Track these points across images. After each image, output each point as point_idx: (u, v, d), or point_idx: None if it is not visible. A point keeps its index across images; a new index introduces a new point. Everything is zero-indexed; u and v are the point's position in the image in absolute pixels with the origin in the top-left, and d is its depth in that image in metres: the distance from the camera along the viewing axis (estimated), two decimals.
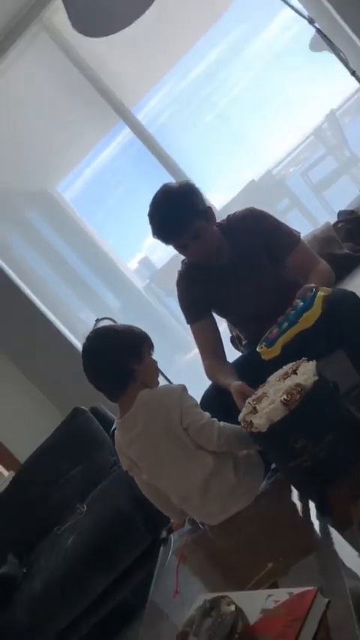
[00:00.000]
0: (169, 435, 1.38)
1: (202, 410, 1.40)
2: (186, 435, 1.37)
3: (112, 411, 2.73)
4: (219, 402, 1.55)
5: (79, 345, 3.29)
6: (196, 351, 1.94)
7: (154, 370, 1.46)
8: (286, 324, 1.47)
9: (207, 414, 1.38)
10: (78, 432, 2.65)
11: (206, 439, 1.35)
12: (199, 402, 1.69)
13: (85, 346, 1.46)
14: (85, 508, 2.35)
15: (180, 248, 1.79)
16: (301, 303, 1.48)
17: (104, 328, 1.48)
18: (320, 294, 1.47)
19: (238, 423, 1.30)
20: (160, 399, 1.40)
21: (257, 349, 1.53)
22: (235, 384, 1.55)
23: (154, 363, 1.46)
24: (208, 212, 1.78)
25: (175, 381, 2.64)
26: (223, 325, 2.24)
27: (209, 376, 1.83)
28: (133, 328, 1.47)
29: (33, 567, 2.29)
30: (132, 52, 3.51)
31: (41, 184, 4.67)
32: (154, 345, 1.48)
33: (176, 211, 1.70)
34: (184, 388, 1.41)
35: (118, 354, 1.42)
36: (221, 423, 1.37)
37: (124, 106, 3.51)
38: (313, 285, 1.54)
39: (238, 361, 1.92)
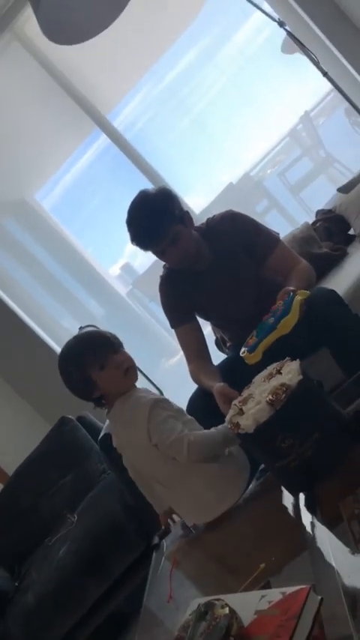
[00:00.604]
0: (141, 446, 1.40)
1: (175, 421, 1.37)
2: (156, 447, 1.38)
3: (99, 419, 2.72)
4: (204, 405, 1.56)
5: None
6: (181, 354, 1.95)
7: (115, 379, 1.41)
8: (264, 330, 1.50)
9: (177, 429, 1.35)
10: (66, 441, 2.64)
11: (176, 454, 1.35)
12: (186, 406, 1.71)
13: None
14: (76, 518, 2.33)
15: (158, 254, 1.79)
16: (282, 307, 1.50)
17: (60, 358, 1.45)
18: (298, 298, 1.49)
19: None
20: (130, 413, 1.40)
21: (240, 354, 1.55)
22: (217, 386, 1.56)
23: (111, 372, 1.40)
24: (185, 216, 1.79)
25: (161, 385, 2.64)
26: (207, 328, 2.25)
27: (194, 379, 1.83)
28: (72, 354, 1.43)
29: (25, 580, 2.27)
30: (105, 58, 3.52)
31: (19, 193, 4.64)
32: (139, 349, 1.49)
33: (153, 218, 1.71)
34: (154, 403, 1.37)
35: (77, 393, 1.44)
36: (193, 435, 1.35)
37: (99, 112, 3.51)
38: (291, 288, 1.56)
39: (223, 364, 1.93)
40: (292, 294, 1.52)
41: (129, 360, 1.44)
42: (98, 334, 1.45)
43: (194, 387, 1.85)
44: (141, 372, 1.62)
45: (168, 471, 1.40)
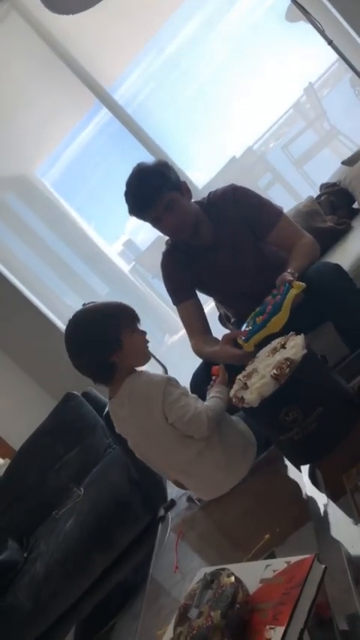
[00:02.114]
0: (153, 426, 1.39)
1: (188, 397, 1.38)
2: (171, 428, 1.37)
3: (103, 394, 2.74)
4: (208, 379, 1.57)
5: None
6: (184, 331, 1.95)
7: (139, 349, 1.42)
8: (257, 324, 1.55)
9: (192, 404, 1.36)
10: (71, 417, 2.66)
11: (196, 431, 1.36)
12: (189, 382, 1.72)
13: (65, 336, 1.43)
14: (82, 491, 2.37)
15: (154, 221, 1.79)
16: (277, 298, 1.54)
17: (78, 317, 1.41)
18: (292, 292, 1.52)
19: (230, 399, 1.32)
20: (143, 392, 1.38)
21: (238, 341, 1.60)
22: (220, 346, 1.62)
23: (139, 339, 1.41)
24: (182, 185, 1.80)
25: (165, 361, 2.65)
26: (210, 304, 2.25)
27: (196, 352, 1.85)
28: (108, 310, 1.41)
29: (34, 551, 2.32)
30: (105, 30, 3.44)
31: (19, 168, 4.60)
32: (142, 326, 1.46)
33: (147, 183, 1.73)
34: (167, 381, 1.37)
35: (93, 351, 1.38)
36: (206, 408, 1.37)
37: (100, 86, 3.45)
38: (289, 277, 1.57)
39: None
40: (287, 285, 1.53)
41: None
42: (116, 307, 1.43)
43: (197, 363, 1.86)
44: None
45: (182, 453, 1.40)
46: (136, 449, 1.51)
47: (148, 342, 1.44)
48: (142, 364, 1.46)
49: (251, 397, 1.18)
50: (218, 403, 1.41)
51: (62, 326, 3.29)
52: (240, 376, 1.29)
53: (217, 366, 1.53)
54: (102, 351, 1.38)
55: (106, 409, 2.05)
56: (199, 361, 1.87)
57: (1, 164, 4.16)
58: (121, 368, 1.41)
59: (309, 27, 2.27)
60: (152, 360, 2.43)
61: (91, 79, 3.41)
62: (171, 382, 1.39)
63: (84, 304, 1.51)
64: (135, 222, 1.81)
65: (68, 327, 1.43)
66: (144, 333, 1.44)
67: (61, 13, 1.81)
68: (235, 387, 1.27)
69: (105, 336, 1.38)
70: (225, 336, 1.69)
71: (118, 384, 1.42)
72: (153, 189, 1.72)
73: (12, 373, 3.30)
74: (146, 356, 1.45)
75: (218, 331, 1.98)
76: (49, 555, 2.16)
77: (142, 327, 1.45)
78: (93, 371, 1.42)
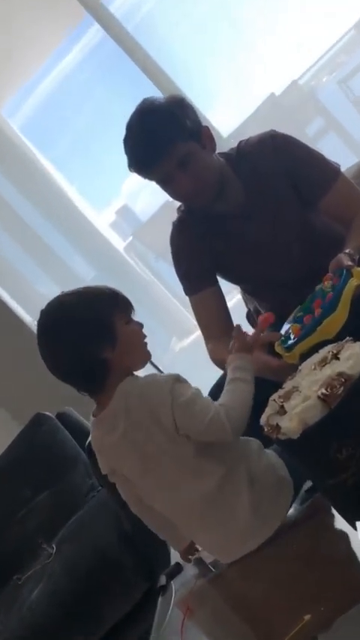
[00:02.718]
0: (159, 443, 1.39)
1: (202, 397, 1.40)
2: (182, 442, 1.38)
3: (86, 416, 2.74)
4: None
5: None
6: (197, 334, 1.96)
7: (137, 344, 1.45)
8: (305, 327, 1.54)
9: (208, 405, 1.37)
10: (41, 447, 2.68)
11: (219, 434, 1.37)
12: None
13: (37, 331, 1.45)
14: (55, 549, 2.38)
15: (163, 181, 1.80)
16: (329, 294, 1.53)
17: (55, 304, 1.44)
18: (352, 283, 1.51)
19: (260, 428, 1.31)
20: (145, 396, 1.39)
21: (275, 347, 1.59)
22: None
23: (135, 332, 1.44)
24: (202, 132, 1.80)
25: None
26: (236, 297, 2.25)
27: (215, 360, 1.86)
28: (97, 292, 1.45)
29: None
30: None
31: None
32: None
33: (156, 127, 1.73)
34: (175, 379, 1.39)
35: (79, 344, 1.40)
36: (226, 404, 1.39)
37: None
38: (348, 261, 1.57)
39: None
40: (345, 272, 1.53)
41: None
42: (104, 291, 1.46)
43: (216, 375, 1.86)
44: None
45: (195, 483, 1.40)
46: (130, 493, 1.52)
47: (145, 336, 1.46)
48: (141, 366, 1.47)
49: (290, 426, 1.17)
50: (242, 390, 1.41)
51: (32, 321, 3.32)
52: (275, 396, 1.29)
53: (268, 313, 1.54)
54: (91, 344, 1.40)
55: (89, 439, 2.07)
56: (217, 373, 1.86)
57: None
58: (115, 369, 1.42)
59: None
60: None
61: None
62: (180, 380, 1.40)
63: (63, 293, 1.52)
64: (134, 181, 1.82)
65: (42, 317, 1.44)
66: (140, 325, 1.46)
67: None
68: (269, 410, 1.27)
69: (94, 325, 1.40)
70: (256, 337, 1.68)
71: (109, 392, 1.42)
72: (163, 138, 1.72)
73: None
74: (146, 354, 1.47)
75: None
76: (9, 634, 2.18)
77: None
78: (78, 373, 1.43)
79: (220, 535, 1.44)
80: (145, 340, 1.46)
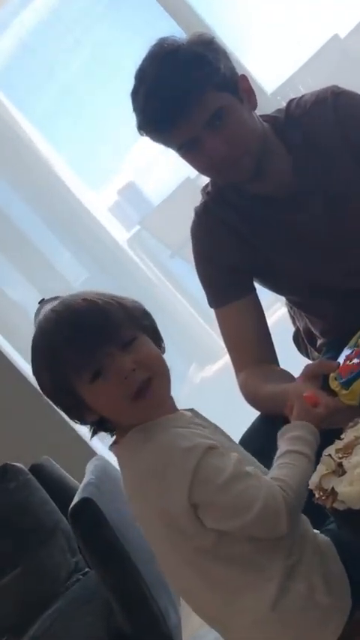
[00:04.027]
0: (167, 538, 1.42)
1: (248, 473, 1.39)
2: (199, 539, 1.38)
3: (70, 468, 2.75)
4: (270, 447, 1.57)
5: (9, 348, 3.32)
6: (225, 360, 1.96)
7: (111, 405, 1.42)
8: None
9: (260, 483, 1.37)
10: (8, 510, 2.68)
11: (271, 528, 1.36)
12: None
13: None
14: None
15: (188, 148, 1.81)
16: None
17: (47, 312, 1.46)
18: None
19: (310, 491, 1.32)
20: (151, 472, 1.40)
21: (330, 384, 1.59)
22: (295, 383, 1.63)
23: (104, 390, 1.40)
24: (240, 83, 1.82)
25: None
26: (279, 311, 2.25)
27: (248, 396, 1.87)
28: (51, 350, 1.44)
29: None
30: None
31: None
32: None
33: (179, 74, 1.74)
34: (206, 450, 1.37)
35: (44, 372, 1.45)
36: (278, 482, 1.38)
37: None
38: None
39: None
40: None
41: (148, 364, 1.42)
42: (95, 309, 1.41)
43: (251, 417, 1.87)
44: None
45: (201, 583, 1.42)
46: None
47: (144, 370, 1.41)
48: (147, 416, 1.45)
49: (352, 491, 1.18)
50: (301, 469, 1.40)
51: (1, 339, 3.35)
52: (331, 450, 1.30)
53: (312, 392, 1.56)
54: (69, 414, 1.48)
55: (76, 498, 2.07)
56: (253, 415, 1.87)
57: None
58: (113, 424, 1.47)
59: None
60: None
61: None
62: (215, 450, 1.38)
63: (41, 301, 1.53)
64: (144, 150, 1.83)
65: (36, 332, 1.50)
66: (128, 350, 1.42)
67: None
68: (322, 469, 1.28)
69: (58, 395, 1.45)
70: (307, 369, 1.68)
71: (122, 432, 1.46)
72: (189, 88, 1.73)
73: None
74: (141, 405, 1.41)
75: (292, 363, 1.98)
76: None
77: (141, 334, 1.46)
78: (62, 407, 1.49)
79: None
80: (139, 384, 1.40)
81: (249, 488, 1.35)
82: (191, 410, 1.50)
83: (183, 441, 1.38)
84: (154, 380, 1.40)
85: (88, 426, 1.49)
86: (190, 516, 1.36)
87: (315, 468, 1.37)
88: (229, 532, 1.36)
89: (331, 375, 1.61)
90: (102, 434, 1.51)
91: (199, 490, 1.35)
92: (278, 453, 1.45)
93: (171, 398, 1.47)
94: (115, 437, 1.48)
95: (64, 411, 1.48)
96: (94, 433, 1.50)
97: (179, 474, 1.35)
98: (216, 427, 1.49)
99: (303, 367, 1.72)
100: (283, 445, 1.46)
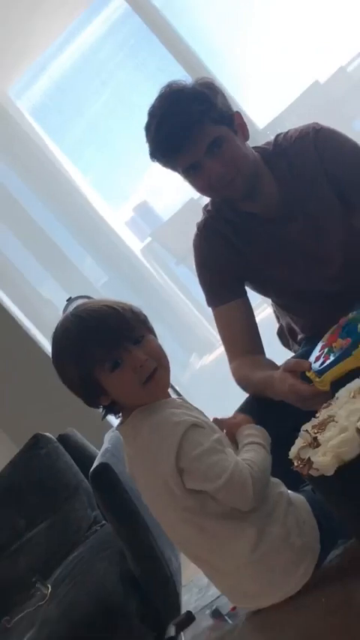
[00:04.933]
0: (162, 496, 1.44)
1: (223, 448, 1.42)
2: (187, 499, 1.41)
3: (91, 438, 2.75)
4: (258, 423, 1.57)
5: (42, 339, 3.32)
6: (220, 351, 1.96)
7: (126, 390, 1.46)
8: (338, 350, 1.56)
9: (231, 459, 1.39)
10: (39, 472, 2.68)
11: (238, 499, 1.38)
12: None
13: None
14: (50, 590, 2.38)
15: (190, 172, 1.82)
16: None
17: (54, 341, 1.51)
18: None
19: (289, 460, 1.32)
20: (152, 437, 1.43)
21: (306, 373, 1.60)
22: (279, 372, 1.64)
23: (121, 379, 1.44)
24: (234, 118, 1.82)
25: (191, 395, 2.66)
26: (266, 311, 2.25)
27: (239, 380, 1.88)
28: (75, 342, 1.47)
29: None
30: None
31: None
32: (157, 337, 1.51)
33: (183, 110, 1.75)
34: (190, 427, 1.41)
35: (78, 395, 1.51)
36: (250, 464, 1.40)
37: None
38: None
39: None
40: None
41: (156, 357, 1.46)
42: (113, 314, 1.45)
43: (241, 398, 1.87)
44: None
45: (195, 536, 1.44)
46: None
47: (151, 361, 1.45)
48: (152, 397, 1.47)
49: (324, 460, 1.18)
50: (263, 454, 1.44)
51: (36, 332, 3.35)
52: (308, 427, 1.30)
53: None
54: (86, 397, 1.52)
55: (95, 463, 2.07)
56: (242, 397, 1.87)
57: None
58: (124, 406, 1.50)
59: None
60: None
61: None
62: (198, 425, 1.42)
63: (69, 299, 1.55)
64: (154, 175, 1.84)
65: (57, 327, 1.52)
66: (141, 345, 1.46)
67: None
68: (300, 442, 1.28)
69: (78, 383, 1.49)
70: (287, 363, 1.69)
71: (127, 414, 1.50)
72: (191, 122, 1.74)
73: None
74: (149, 390, 1.46)
75: (277, 354, 1.98)
76: None
77: (148, 334, 1.49)
78: (77, 393, 1.53)
79: (227, 588, 1.49)
80: (148, 373, 1.45)
81: (220, 461, 1.38)
82: (180, 397, 1.55)
83: (173, 417, 1.43)
84: (159, 369, 1.46)
85: (101, 409, 1.52)
86: (178, 479, 1.40)
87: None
88: (210, 495, 1.39)
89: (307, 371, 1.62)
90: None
91: (182, 457, 1.39)
92: (241, 444, 1.47)
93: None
94: (121, 418, 1.52)
95: (81, 397, 1.51)
96: (105, 414, 1.53)
97: (169, 443, 1.40)
98: (200, 411, 1.52)
99: (285, 358, 1.73)
100: (245, 439, 1.48)
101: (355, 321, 1.59)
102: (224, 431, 1.52)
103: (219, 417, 1.56)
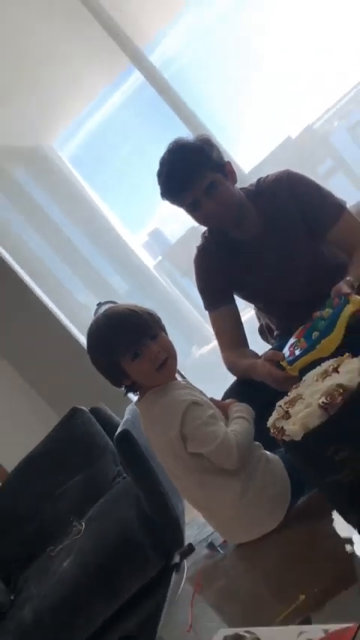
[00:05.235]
0: (170, 456, 1.46)
1: (217, 421, 1.43)
2: (189, 459, 1.42)
3: (116, 412, 2.76)
4: (243, 400, 1.58)
5: (77, 334, 3.33)
6: (214, 343, 1.97)
7: (146, 374, 1.46)
8: (306, 344, 1.56)
9: (221, 430, 1.41)
10: (76, 436, 2.68)
11: (226, 461, 1.40)
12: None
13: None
14: (84, 526, 2.38)
15: (191, 207, 1.82)
16: (329, 315, 1.55)
17: (90, 334, 1.52)
18: (348, 309, 1.52)
19: (267, 428, 1.32)
20: (162, 411, 1.45)
21: (281, 362, 1.61)
22: (260, 360, 1.65)
23: (141, 366, 1.44)
24: (225, 166, 1.82)
25: (192, 377, 2.66)
26: (250, 313, 2.26)
27: (229, 367, 1.87)
28: (105, 338, 1.47)
29: (22, 593, 2.34)
30: None
31: (34, 138, 4.68)
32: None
33: (186, 160, 1.76)
34: (191, 402, 1.42)
35: (106, 376, 1.51)
36: (236, 434, 1.41)
37: (133, 44, 3.50)
38: (347, 289, 1.58)
39: None
40: (344, 299, 1.54)
41: (167, 350, 1.47)
42: (134, 314, 1.47)
43: (230, 380, 1.87)
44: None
45: (198, 489, 1.46)
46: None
47: (164, 352, 1.46)
48: (165, 380, 1.48)
49: (293, 429, 1.18)
50: (246, 427, 1.45)
51: (73, 328, 3.35)
52: (281, 403, 1.30)
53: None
54: (112, 379, 1.51)
55: (119, 429, 2.08)
56: (231, 379, 1.88)
57: (14, 132, 4.23)
58: (141, 386, 1.50)
59: None
60: None
61: (124, 37, 3.46)
62: (197, 403, 1.43)
63: (98, 304, 1.56)
64: (165, 209, 1.84)
65: (91, 324, 1.53)
66: (156, 340, 1.46)
67: None
68: (275, 415, 1.28)
69: (107, 368, 1.50)
70: (266, 354, 1.70)
71: (143, 393, 1.51)
72: (192, 169, 1.75)
73: (9, 380, 3.35)
74: (163, 374, 1.47)
75: (258, 347, 1.99)
76: (40, 599, 2.18)
77: (161, 331, 1.49)
78: (105, 376, 1.53)
79: (219, 525, 1.50)
80: (162, 360, 1.45)
81: (214, 431, 1.40)
82: (184, 380, 1.56)
83: (179, 396, 1.44)
84: (169, 359, 1.47)
85: (123, 388, 1.53)
86: (181, 444, 1.42)
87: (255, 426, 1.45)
88: (206, 456, 1.40)
89: (281, 360, 1.63)
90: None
91: (185, 427, 1.40)
92: (231, 418, 1.48)
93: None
94: (138, 396, 1.52)
95: (108, 379, 1.51)
96: (126, 392, 1.54)
97: (176, 416, 1.41)
98: (200, 390, 1.52)
99: (264, 350, 1.74)
100: (234, 414, 1.49)
101: (312, 329, 1.59)
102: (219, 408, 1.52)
103: (215, 398, 1.57)
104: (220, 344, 1.94)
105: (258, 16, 5.31)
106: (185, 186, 1.77)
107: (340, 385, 1.16)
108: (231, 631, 0.95)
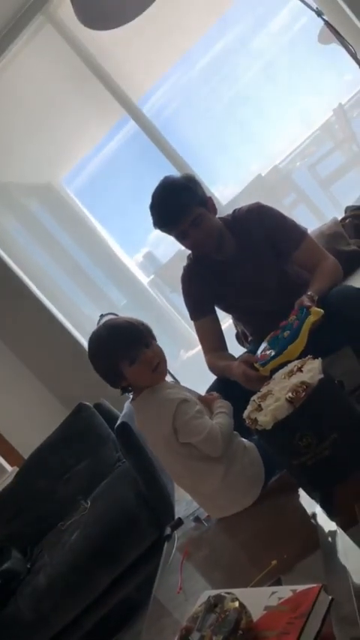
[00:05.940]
0: (162, 445, 1.44)
1: (203, 416, 1.41)
2: (178, 449, 1.41)
3: (116, 407, 2.75)
4: (223, 396, 1.57)
5: (83, 341, 3.32)
6: (198, 347, 1.96)
7: (142, 376, 1.44)
8: (274, 350, 1.57)
9: (207, 423, 1.40)
10: (82, 428, 2.67)
11: (212, 449, 1.39)
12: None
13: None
14: (89, 504, 2.37)
15: (180, 236, 1.81)
16: (294, 324, 1.56)
17: (92, 340, 1.49)
18: (310, 319, 1.53)
19: (243, 419, 1.32)
20: (155, 408, 1.43)
21: (254, 364, 1.61)
22: (237, 362, 1.64)
23: (138, 370, 1.42)
24: (208, 201, 1.82)
25: (179, 377, 2.65)
26: (228, 322, 2.26)
27: (211, 367, 1.87)
28: (106, 344, 1.45)
29: (37, 562, 2.32)
30: (138, 43, 3.51)
31: (45, 176, 4.68)
32: (158, 339, 1.50)
33: (176, 197, 1.75)
34: (181, 400, 1.40)
35: (105, 379, 1.47)
36: (220, 426, 1.41)
37: (129, 98, 3.51)
38: (308, 302, 1.58)
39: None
40: (305, 311, 1.54)
41: (159, 355, 1.46)
42: (131, 326, 1.45)
43: (212, 379, 1.86)
44: None
45: (187, 473, 1.45)
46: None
47: (158, 356, 1.44)
48: (158, 380, 1.47)
49: (265, 420, 1.18)
50: (227, 420, 1.44)
51: (79, 336, 3.34)
52: (255, 397, 1.29)
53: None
54: (111, 381, 1.47)
55: (118, 421, 2.07)
56: (213, 378, 1.87)
57: (29, 171, 4.23)
58: (136, 387, 1.47)
59: (341, 49, 2.28)
60: None
61: (120, 92, 3.47)
62: (187, 400, 1.42)
63: (101, 315, 1.55)
64: (156, 235, 1.83)
65: (92, 334, 1.50)
66: (150, 347, 1.44)
67: (98, 29, 1.85)
68: (250, 408, 1.28)
69: (107, 371, 1.46)
70: (242, 357, 1.70)
71: (138, 393, 1.48)
72: (181, 205, 1.74)
73: (26, 381, 3.34)
74: (157, 375, 1.45)
75: (235, 350, 1.99)
76: (53, 567, 2.17)
77: (154, 340, 1.46)
78: (105, 379, 1.49)
79: (204, 503, 1.49)
80: (156, 363, 1.43)
81: (201, 424, 1.39)
82: (174, 379, 1.55)
83: (170, 395, 1.42)
84: (161, 363, 1.45)
85: (120, 388, 1.49)
86: (173, 436, 1.40)
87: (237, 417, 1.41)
88: (194, 445, 1.39)
89: (255, 363, 1.63)
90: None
91: (176, 421, 1.39)
92: (214, 412, 1.47)
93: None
94: (133, 395, 1.49)
95: (107, 381, 1.48)
96: (122, 393, 1.50)
97: (168, 412, 1.39)
98: (188, 389, 1.51)
99: (241, 353, 1.73)
100: (217, 410, 1.47)
101: (280, 336, 1.60)
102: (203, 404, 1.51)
103: (201, 394, 1.55)
104: (203, 348, 1.94)
105: (233, 74, 5.38)
106: (175, 221, 1.77)
107: (303, 382, 1.17)
108: (214, 592, 0.94)
